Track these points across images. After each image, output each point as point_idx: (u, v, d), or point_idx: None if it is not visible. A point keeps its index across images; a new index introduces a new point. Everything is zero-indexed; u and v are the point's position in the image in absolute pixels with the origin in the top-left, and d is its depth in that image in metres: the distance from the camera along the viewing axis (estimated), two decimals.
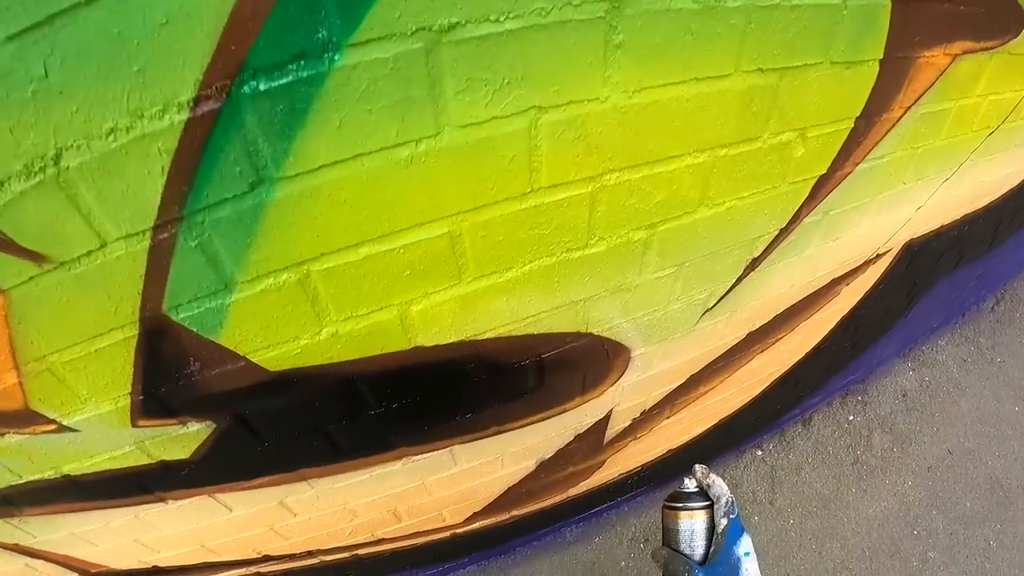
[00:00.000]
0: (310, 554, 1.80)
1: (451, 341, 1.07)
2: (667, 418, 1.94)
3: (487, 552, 2.60)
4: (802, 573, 2.54)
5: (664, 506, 1.09)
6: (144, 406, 0.94)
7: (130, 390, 0.90)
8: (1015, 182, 2.10)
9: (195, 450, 1.08)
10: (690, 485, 1.09)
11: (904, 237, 1.80)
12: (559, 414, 1.53)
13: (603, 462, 2.03)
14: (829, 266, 1.61)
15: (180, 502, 1.25)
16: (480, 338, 1.10)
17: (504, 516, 2.10)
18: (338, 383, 1.04)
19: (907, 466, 2.91)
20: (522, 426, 1.51)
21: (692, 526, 1.04)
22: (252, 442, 1.12)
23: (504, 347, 1.16)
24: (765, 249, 1.33)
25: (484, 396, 1.32)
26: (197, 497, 1.25)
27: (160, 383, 0.91)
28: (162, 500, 1.22)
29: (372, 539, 1.86)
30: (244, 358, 0.90)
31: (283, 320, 0.88)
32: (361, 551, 1.94)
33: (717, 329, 1.56)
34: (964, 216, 2.01)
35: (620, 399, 1.62)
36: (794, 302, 1.70)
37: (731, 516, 1.02)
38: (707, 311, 1.44)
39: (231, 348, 0.88)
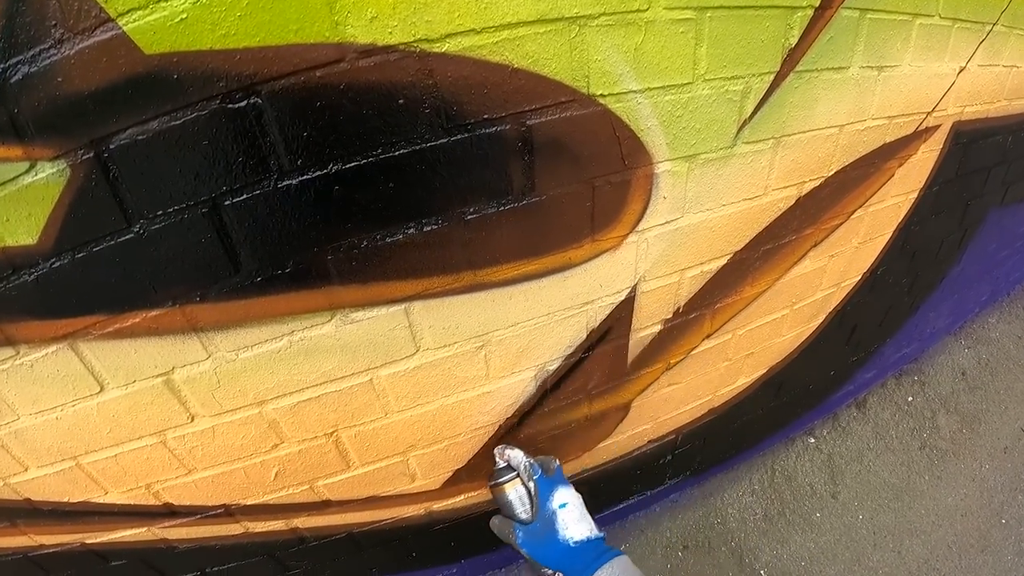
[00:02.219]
0: (228, 513, 1.42)
1: (396, 44, 0.81)
2: (707, 336, 1.66)
3: (481, 562, 2.18)
4: None
5: (489, 488, 1.30)
6: None
7: None
8: None
9: (44, 229, 0.83)
10: (500, 463, 1.30)
11: (951, 110, 1.68)
12: (562, 269, 1.21)
13: (628, 404, 1.67)
14: (876, 111, 1.43)
15: (34, 353, 0.96)
16: (437, 49, 0.84)
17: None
18: (232, 94, 0.79)
19: (981, 448, 2.68)
20: (509, 279, 1.17)
21: (509, 496, 1.24)
22: (115, 218, 0.85)
23: (472, 80, 0.89)
24: (801, 38, 1.14)
25: (448, 185, 0.99)
26: (55, 346, 0.96)
27: (13, 64, 0.71)
28: (10, 341, 0.94)
29: (313, 497, 1.46)
30: (114, 24, 0.70)
31: None
32: (300, 520, 1.53)
33: (761, 165, 1.31)
34: (1008, 117, 1.98)
35: (645, 268, 1.30)
36: (845, 164, 1.50)
37: (535, 478, 1.20)
38: (745, 123, 1.20)
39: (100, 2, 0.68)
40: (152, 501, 1.33)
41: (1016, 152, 2.29)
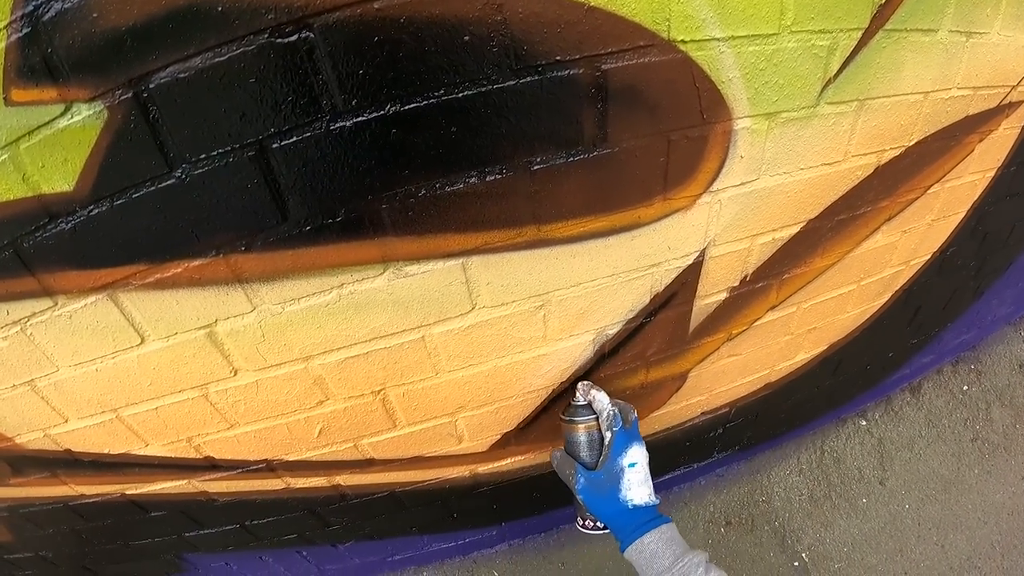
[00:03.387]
0: (269, 468, 1.40)
1: None
2: (772, 307, 1.59)
3: (522, 525, 2.19)
4: (923, 571, 2.18)
5: (560, 419, 1.26)
6: (23, 57, 0.71)
7: (10, 19, 0.69)
8: None
9: (81, 175, 0.81)
10: (580, 399, 1.24)
11: None
12: (630, 228, 1.14)
13: (685, 373, 1.63)
14: (961, 80, 1.34)
15: (72, 304, 0.96)
16: None
17: (547, 453, 1.61)
18: (282, 27, 0.75)
19: None
20: (574, 236, 1.11)
21: (581, 437, 1.21)
22: (156, 163, 0.82)
23: (544, 18, 0.82)
24: None
25: (514, 132, 0.93)
26: (94, 297, 0.95)
27: (46, 1, 0.68)
28: (47, 292, 0.94)
29: (357, 455, 1.43)
30: None
31: None
32: (343, 477, 1.51)
33: (843, 129, 1.23)
34: None
35: (716, 232, 1.23)
36: (926, 134, 1.42)
37: (614, 429, 1.16)
38: (830, 82, 1.12)
39: None
40: (193, 454, 1.32)
41: None
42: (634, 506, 1.12)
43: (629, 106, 0.97)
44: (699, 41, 0.95)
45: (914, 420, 2.71)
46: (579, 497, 1.16)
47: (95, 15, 0.70)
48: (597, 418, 1.20)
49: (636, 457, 1.16)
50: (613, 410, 1.19)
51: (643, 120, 1.00)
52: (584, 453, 1.20)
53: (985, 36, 1.33)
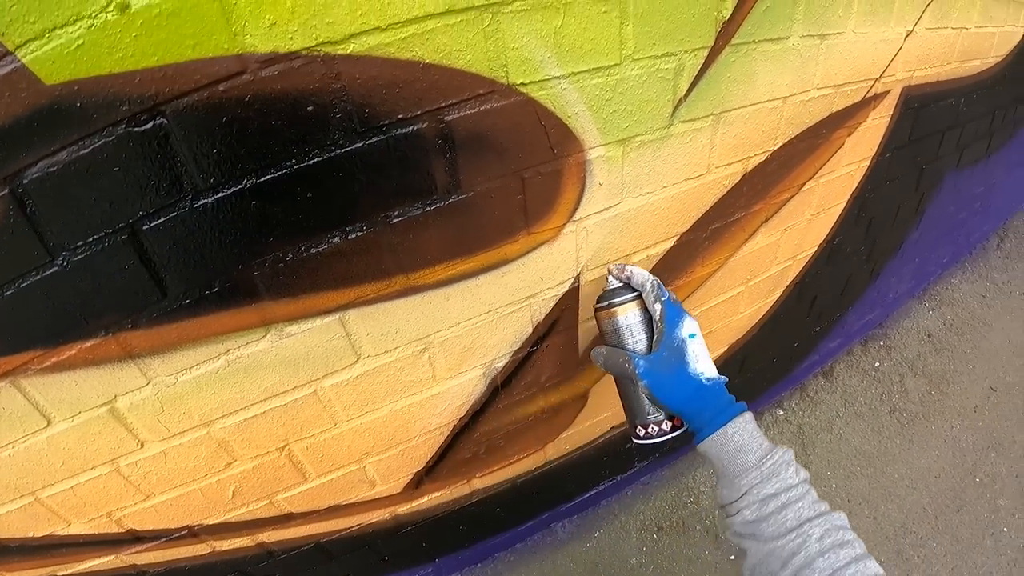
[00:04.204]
0: (192, 534, 1.40)
1: (298, 50, 0.78)
2: None
3: (456, 559, 2.16)
4: None
5: (595, 310, 1.11)
6: None
7: None
8: (1000, 52, 2.14)
9: None
10: (613, 281, 1.10)
11: (900, 75, 1.67)
12: (498, 265, 1.19)
13: (585, 393, 1.65)
14: (820, 80, 1.41)
15: None
16: (342, 51, 0.80)
17: (463, 487, 1.72)
18: (137, 117, 0.76)
19: (950, 408, 2.70)
20: (444, 280, 1.14)
21: (626, 321, 1.04)
22: (38, 253, 0.83)
23: (381, 80, 0.85)
24: (735, 10, 1.10)
25: (368, 190, 0.97)
26: None
27: None
28: None
29: (274, 511, 1.44)
30: (13, 56, 0.67)
31: None
32: (265, 534, 1.51)
33: (701, 144, 1.28)
34: (959, 80, 2.00)
35: (587, 257, 1.27)
36: (791, 136, 1.48)
37: (662, 299, 1.00)
38: (681, 101, 1.17)
39: None
40: (115, 529, 1.30)
41: (969, 114, 2.29)
42: (708, 379, 0.95)
43: (477, 151, 1.01)
44: (539, 82, 0.99)
45: (830, 403, 2.80)
46: (643, 383, 0.98)
47: None
48: (637, 297, 1.05)
49: (693, 328, 0.99)
50: (656, 280, 1.04)
51: (493, 163, 1.04)
52: (629, 340, 1.03)
53: (840, 36, 1.39)
